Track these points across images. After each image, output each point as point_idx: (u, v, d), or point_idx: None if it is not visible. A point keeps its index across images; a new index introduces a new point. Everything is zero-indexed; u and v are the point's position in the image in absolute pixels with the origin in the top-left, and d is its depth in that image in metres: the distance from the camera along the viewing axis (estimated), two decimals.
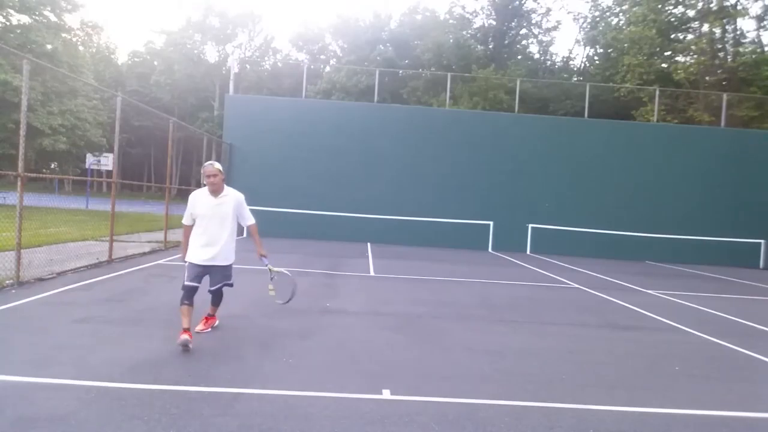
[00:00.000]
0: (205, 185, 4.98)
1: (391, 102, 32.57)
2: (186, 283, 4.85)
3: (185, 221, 5.04)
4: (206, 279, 5.06)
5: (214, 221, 4.92)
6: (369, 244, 16.92)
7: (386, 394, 3.92)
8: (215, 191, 4.93)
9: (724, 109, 20.24)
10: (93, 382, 3.73)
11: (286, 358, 4.65)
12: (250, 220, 5.24)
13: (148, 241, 12.91)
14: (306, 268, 10.52)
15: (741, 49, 28.83)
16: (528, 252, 17.65)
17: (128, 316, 5.81)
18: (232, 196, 5.03)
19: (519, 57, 42.73)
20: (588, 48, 43.25)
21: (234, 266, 5.21)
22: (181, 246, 5.13)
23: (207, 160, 5.50)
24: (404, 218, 17.66)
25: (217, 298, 5.28)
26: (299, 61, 52.08)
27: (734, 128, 21.33)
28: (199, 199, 4.96)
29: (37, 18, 28.84)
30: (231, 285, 5.24)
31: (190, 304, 4.80)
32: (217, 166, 4.90)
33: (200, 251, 4.91)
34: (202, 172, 4.96)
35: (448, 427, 3.41)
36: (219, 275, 5.08)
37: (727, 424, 3.80)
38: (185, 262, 4.96)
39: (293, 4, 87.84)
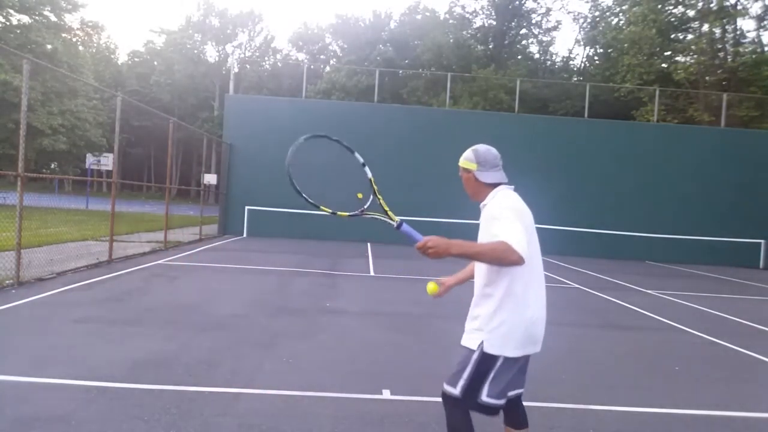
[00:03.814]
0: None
1: (391, 102, 32.55)
2: (484, 400, 2.38)
3: (524, 249, 2.17)
4: None
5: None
6: (369, 244, 16.92)
7: (386, 394, 3.91)
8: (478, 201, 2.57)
9: (724, 109, 20.24)
10: (93, 382, 3.73)
11: (286, 358, 4.64)
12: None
13: (148, 241, 12.89)
14: (306, 267, 10.50)
15: (741, 49, 28.84)
16: None
17: (128, 316, 5.80)
18: (488, 206, 2.55)
19: (519, 57, 42.76)
20: (588, 48, 43.28)
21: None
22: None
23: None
24: (404, 218, 17.51)
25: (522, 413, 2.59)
26: (299, 61, 52.11)
27: (734, 128, 21.33)
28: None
29: (37, 18, 28.91)
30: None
31: None
32: (470, 154, 2.52)
33: (531, 328, 2.33)
34: None
35: None
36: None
37: (727, 424, 3.80)
38: (481, 351, 2.34)
39: (293, 4, 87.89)
